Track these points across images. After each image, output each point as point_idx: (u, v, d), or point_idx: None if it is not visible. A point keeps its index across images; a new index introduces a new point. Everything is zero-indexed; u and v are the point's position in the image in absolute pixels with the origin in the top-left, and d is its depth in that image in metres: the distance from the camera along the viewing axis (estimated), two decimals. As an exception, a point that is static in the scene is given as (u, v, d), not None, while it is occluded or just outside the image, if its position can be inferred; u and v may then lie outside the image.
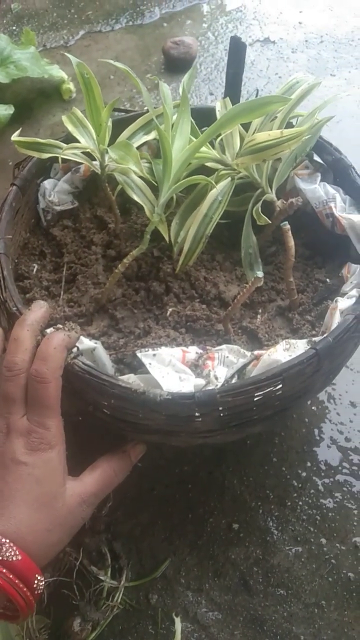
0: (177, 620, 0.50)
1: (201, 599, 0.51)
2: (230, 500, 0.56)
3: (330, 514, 0.55)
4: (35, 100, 1.01)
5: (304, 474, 0.57)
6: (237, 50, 0.57)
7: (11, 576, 0.36)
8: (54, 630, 0.50)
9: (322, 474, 0.57)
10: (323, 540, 0.54)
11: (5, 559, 0.36)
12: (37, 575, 0.38)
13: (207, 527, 0.55)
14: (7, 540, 0.37)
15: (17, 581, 0.37)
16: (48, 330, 0.44)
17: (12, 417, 0.40)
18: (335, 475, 0.57)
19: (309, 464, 0.58)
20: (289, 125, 0.54)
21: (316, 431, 0.60)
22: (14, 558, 0.37)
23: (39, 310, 0.44)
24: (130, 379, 0.43)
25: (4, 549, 0.37)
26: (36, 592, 0.38)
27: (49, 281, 0.56)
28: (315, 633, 0.49)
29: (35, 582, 0.38)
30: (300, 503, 0.56)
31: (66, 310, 0.52)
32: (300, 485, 0.57)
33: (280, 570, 0.52)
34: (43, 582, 0.39)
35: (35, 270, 0.57)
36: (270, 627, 0.50)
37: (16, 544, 0.37)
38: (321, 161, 0.55)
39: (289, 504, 0.56)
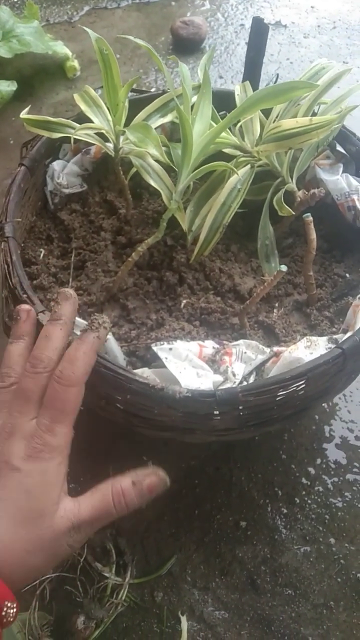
0: (183, 619, 0.49)
1: (208, 597, 0.50)
2: (237, 497, 0.55)
3: (339, 513, 0.54)
4: (37, 77, 0.98)
5: (313, 472, 0.56)
6: (259, 32, 0.55)
7: None
8: (56, 627, 0.48)
9: (332, 472, 0.56)
10: (332, 540, 0.53)
11: None
12: (7, 602, 0.33)
13: (214, 524, 0.53)
14: None
15: None
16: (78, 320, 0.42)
17: (21, 418, 0.37)
18: (345, 474, 0.56)
19: (318, 461, 0.57)
20: (312, 113, 0.52)
21: (326, 428, 0.58)
22: None
23: (68, 304, 0.40)
24: (144, 373, 0.41)
25: None
26: (4, 621, 0.33)
27: (57, 267, 0.53)
28: (324, 634, 0.48)
29: (5, 609, 0.33)
30: (309, 501, 0.55)
31: (76, 299, 0.50)
32: (309, 483, 0.56)
33: (289, 570, 0.51)
34: (14, 610, 0.33)
35: (42, 255, 0.55)
36: (278, 628, 0.49)
37: None
38: (344, 151, 0.53)
39: (298, 502, 0.55)
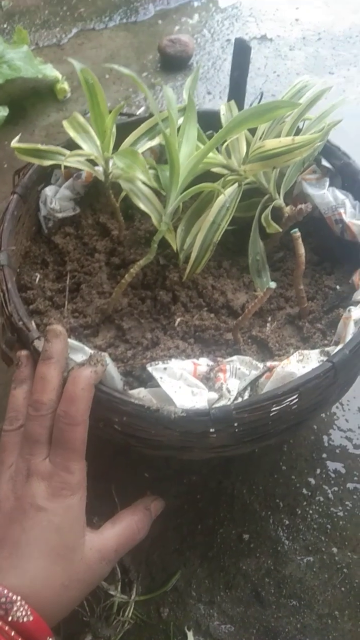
0: (190, 634, 0.50)
1: (213, 611, 0.51)
2: (240, 510, 0.55)
3: (341, 522, 0.55)
4: (28, 101, 0.99)
5: (313, 482, 0.57)
6: (241, 52, 0.56)
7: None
8: (65, 647, 0.49)
9: (332, 482, 0.57)
10: (334, 550, 0.53)
11: (15, 619, 0.33)
12: (48, 638, 0.34)
13: (218, 538, 0.54)
14: (19, 598, 0.33)
15: None
16: (74, 357, 0.43)
17: (33, 459, 0.38)
18: (345, 483, 0.56)
19: (318, 471, 0.57)
20: (297, 129, 0.53)
21: (325, 438, 0.59)
22: (25, 619, 0.33)
23: (58, 341, 0.41)
24: (140, 394, 0.42)
25: (15, 608, 0.33)
26: None
27: (53, 291, 0.54)
28: (330, 644, 0.49)
29: None
30: (311, 512, 0.55)
31: (71, 322, 0.51)
32: (310, 493, 0.56)
33: (292, 581, 0.52)
34: None
35: (37, 279, 0.55)
36: (284, 639, 0.49)
37: (28, 602, 0.34)
38: (329, 165, 0.54)
39: (299, 512, 0.55)
